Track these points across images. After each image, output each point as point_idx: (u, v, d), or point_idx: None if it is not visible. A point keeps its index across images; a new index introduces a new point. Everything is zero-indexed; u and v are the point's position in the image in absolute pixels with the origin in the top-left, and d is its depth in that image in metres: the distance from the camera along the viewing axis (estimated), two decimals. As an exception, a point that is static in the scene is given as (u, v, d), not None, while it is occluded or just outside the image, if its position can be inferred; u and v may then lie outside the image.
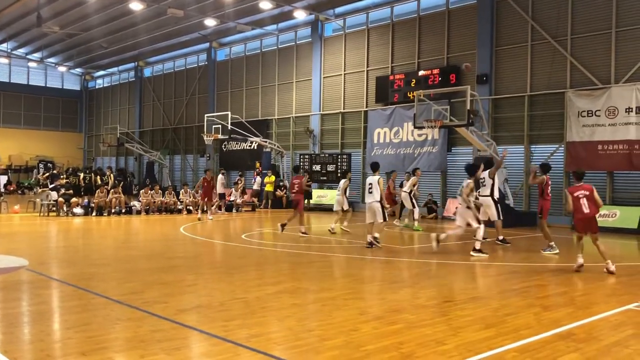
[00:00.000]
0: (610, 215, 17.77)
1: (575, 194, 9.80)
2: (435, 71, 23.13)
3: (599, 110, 18.52)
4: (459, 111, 20.65)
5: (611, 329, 6.08)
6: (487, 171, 12.94)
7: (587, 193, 9.78)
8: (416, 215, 17.14)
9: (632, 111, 17.80)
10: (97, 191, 21.72)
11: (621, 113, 18.03)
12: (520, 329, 5.97)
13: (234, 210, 24.17)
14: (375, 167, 12.98)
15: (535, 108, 20.51)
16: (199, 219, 19.46)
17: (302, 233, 14.66)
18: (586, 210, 9.71)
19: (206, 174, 20.01)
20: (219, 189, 24.64)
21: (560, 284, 8.74)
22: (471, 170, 12.19)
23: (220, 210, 23.71)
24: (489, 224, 12.74)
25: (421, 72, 23.65)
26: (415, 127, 20.53)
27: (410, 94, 23.20)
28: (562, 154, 19.62)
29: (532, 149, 20.45)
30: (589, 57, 19.22)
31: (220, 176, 25.03)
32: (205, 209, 20.31)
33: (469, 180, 11.82)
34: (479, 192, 12.72)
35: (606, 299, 7.65)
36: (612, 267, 9.55)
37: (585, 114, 18.84)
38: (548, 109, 20.03)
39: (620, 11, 18.56)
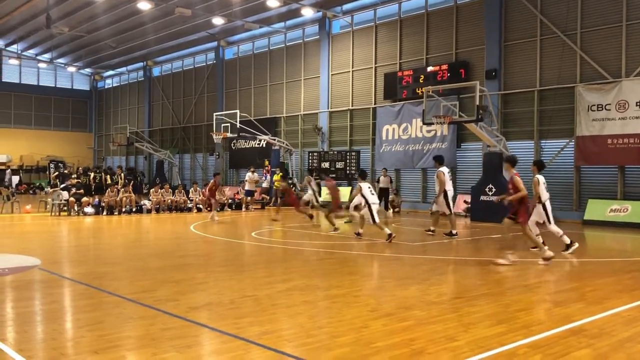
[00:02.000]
0: (622, 210, 17.64)
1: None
2: (444, 67, 23.05)
3: (609, 104, 18.37)
4: (468, 107, 20.56)
5: (623, 325, 6.04)
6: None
7: None
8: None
9: (643, 105, 17.65)
10: (107, 190, 21.85)
11: (632, 107, 17.87)
12: (531, 324, 5.95)
13: (243, 208, 24.24)
14: (365, 175, 13.93)
15: (545, 103, 20.39)
16: (216, 219, 18.79)
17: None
18: None
19: (215, 178, 20.10)
20: (247, 186, 24.73)
21: (572, 280, 8.69)
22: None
23: (248, 208, 24.05)
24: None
25: (430, 68, 23.58)
26: (424, 124, 20.46)
27: (418, 90, 23.11)
28: (572, 149, 19.50)
29: (542, 144, 20.32)
30: (599, 50, 19.06)
31: (249, 174, 25.07)
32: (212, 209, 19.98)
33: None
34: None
35: (618, 294, 7.59)
36: (504, 261, 9.67)
37: (595, 108, 18.70)
38: (558, 104, 19.89)
39: (631, 4, 18.38)
